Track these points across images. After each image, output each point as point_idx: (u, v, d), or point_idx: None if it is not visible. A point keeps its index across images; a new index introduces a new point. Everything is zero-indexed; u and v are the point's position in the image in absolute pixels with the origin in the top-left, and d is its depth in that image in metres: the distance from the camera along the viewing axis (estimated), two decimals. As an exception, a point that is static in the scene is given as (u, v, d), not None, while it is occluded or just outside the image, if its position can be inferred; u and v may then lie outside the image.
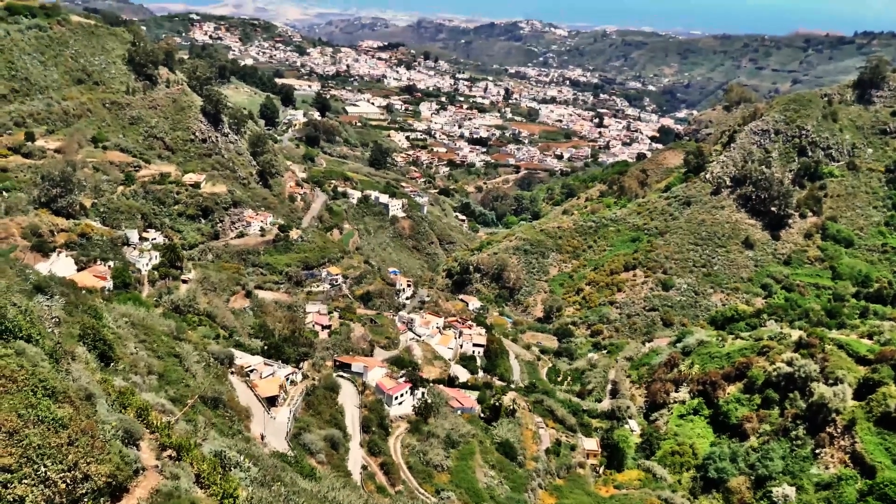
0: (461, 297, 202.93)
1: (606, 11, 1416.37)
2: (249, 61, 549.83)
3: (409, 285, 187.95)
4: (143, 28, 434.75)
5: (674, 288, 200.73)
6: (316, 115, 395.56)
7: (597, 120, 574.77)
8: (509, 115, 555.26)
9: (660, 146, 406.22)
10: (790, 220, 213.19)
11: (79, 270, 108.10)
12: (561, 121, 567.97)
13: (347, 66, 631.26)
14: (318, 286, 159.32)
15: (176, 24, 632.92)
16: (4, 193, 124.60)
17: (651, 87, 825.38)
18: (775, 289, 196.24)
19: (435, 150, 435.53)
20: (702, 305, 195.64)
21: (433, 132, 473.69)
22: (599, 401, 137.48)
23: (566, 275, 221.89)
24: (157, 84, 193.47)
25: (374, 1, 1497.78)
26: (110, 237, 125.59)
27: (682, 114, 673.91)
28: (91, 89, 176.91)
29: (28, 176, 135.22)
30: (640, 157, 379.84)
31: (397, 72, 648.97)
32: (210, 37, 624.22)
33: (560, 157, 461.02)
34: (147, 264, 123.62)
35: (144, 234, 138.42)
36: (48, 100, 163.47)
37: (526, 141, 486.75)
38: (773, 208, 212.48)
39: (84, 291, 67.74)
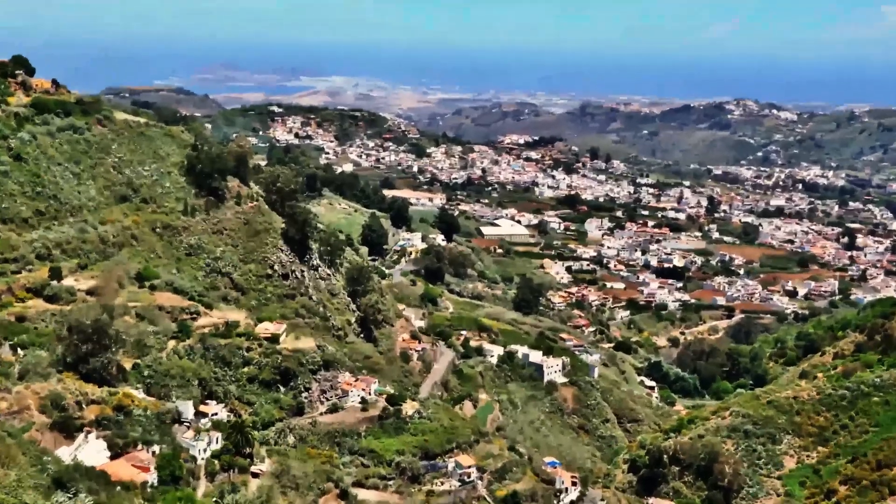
0: (651, 500, 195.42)
1: (852, 85, 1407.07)
2: (348, 167, 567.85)
3: (573, 483, 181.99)
4: (208, 126, 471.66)
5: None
6: (439, 238, 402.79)
7: (846, 239, 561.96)
8: (715, 235, 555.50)
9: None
10: None
11: (113, 457, 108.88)
12: (792, 241, 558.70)
13: (483, 170, 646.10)
14: (442, 483, 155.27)
15: (251, 120, 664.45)
16: (20, 351, 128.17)
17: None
18: None
19: (608, 285, 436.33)
20: None
21: (605, 260, 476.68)
22: None
23: (809, 468, 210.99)
24: (225, 200, 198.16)
25: (518, 81, 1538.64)
26: (156, 412, 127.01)
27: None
28: (138, 209, 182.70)
29: (51, 327, 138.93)
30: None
31: (553, 176, 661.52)
32: (296, 135, 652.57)
33: (793, 294, 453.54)
34: (205, 450, 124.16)
35: (202, 408, 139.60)
36: (81, 224, 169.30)
37: (741, 271, 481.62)
38: None
39: (119, 487, 68.52)
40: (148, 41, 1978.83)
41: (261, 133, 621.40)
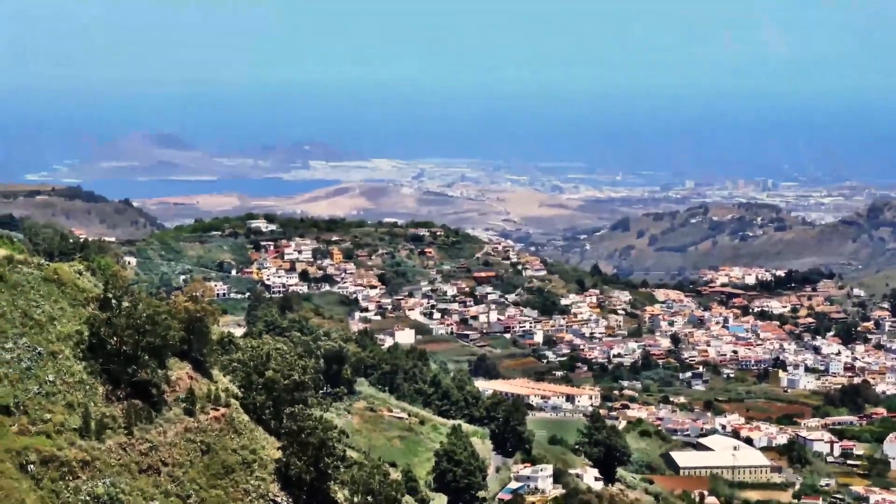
0: None
1: None
2: (406, 335, 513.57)
3: None
4: (131, 261, 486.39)
5: None
6: (588, 476, 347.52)
7: None
8: None
9: None
10: None
11: None
12: None
13: (675, 337, 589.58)
14: None
15: (215, 246, 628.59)
16: None
17: None
18: None
19: None
20: None
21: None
22: None
23: None
24: (164, 406, 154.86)
25: (735, 164, 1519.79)
26: None
27: None
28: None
29: None
30: None
31: (816, 349, 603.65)
32: (304, 274, 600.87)
33: None
34: None
35: None
36: None
37: None
38: None
39: None
40: (23, 98, 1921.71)
41: (234, 273, 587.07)
